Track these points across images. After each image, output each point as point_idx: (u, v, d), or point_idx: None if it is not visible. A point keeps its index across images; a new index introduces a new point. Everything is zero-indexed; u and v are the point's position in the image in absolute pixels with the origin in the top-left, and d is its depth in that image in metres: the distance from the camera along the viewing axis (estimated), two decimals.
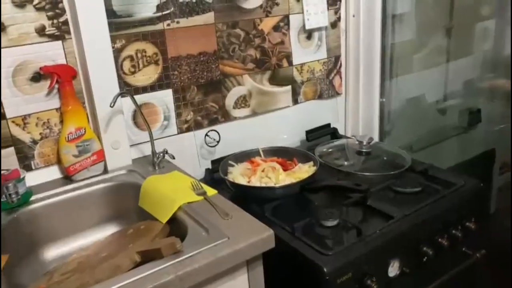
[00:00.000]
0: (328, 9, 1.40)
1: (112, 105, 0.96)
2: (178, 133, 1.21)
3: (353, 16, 1.44)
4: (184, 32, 1.15)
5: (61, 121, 1.02)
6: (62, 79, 0.98)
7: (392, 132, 1.57)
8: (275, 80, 1.36)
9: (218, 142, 1.26)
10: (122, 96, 1.05)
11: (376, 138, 1.50)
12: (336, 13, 1.44)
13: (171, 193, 0.92)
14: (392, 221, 0.97)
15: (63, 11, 0.98)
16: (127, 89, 1.09)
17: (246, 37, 1.26)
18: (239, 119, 1.32)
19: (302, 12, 1.35)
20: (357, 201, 1.05)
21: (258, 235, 0.77)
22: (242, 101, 1.31)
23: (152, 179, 0.99)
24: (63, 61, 1.00)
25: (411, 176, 1.15)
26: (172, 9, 1.12)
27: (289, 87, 1.40)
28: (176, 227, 0.85)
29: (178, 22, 1.13)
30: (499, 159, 2.09)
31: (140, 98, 1.12)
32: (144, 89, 1.13)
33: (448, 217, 1.05)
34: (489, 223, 1.84)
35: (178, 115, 1.20)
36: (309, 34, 1.39)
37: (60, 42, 0.99)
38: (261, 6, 1.27)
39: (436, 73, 1.74)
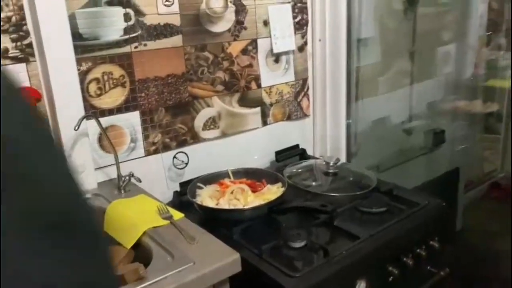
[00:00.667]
0: (295, 33, 1.43)
1: (76, 128, 0.94)
2: (146, 155, 1.20)
3: (319, 40, 1.48)
4: (151, 55, 1.15)
5: None
6: None
7: (359, 153, 1.61)
8: (244, 102, 1.37)
9: (186, 164, 1.26)
10: (87, 119, 1.04)
11: (343, 159, 1.52)
12: (303, 37, 1.47)
13: (136, 217, 0.91)
14: (358, 241, 0.98)
15: (27, 33, 0.97)
16: (93, 112, 1.08)
17: (214, 60, 1.27)
18: (208, 140, 1.32)
19: (270, 36, 1.38)
20: (324, 222, 1.06)
21: (224, 259, 0.76)
22: (212, 123, 1.32)
23: (117, 204, 0.97)
24: (27, 84, 0.99)
25: (377, 196, 1.18)
26: (140, 32, 1.12)
27: (258, 109, 1.41)
28: (141, 252, 0.84)
29: (145, 45, 1.14)
30: (463, 178, 2.16)
31: (106, 120, 1.11)
32: (111, 112, 1.12)
33: (413, 237, 1.07)
34: (455, 241, 1.88)
35: (146, 137, 1.19)
36: (277, 58, 1.42)
37: (24, 64, 0.98)
38: (229, 30, 1.28)
39: (401, 95, 1.80)
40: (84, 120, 0.99)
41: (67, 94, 1.00)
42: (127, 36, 1.10)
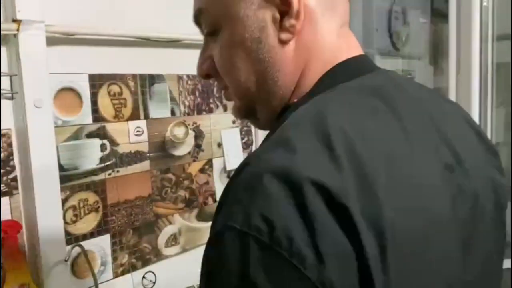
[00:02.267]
0: (243, 152, 1.61)
1: (67, 258, 0.97)
2: (114, 277, 1.22)
3: None
4: (123, 180, 1.23)
5: None
6: (9, 235, 0.98)
7: None
8: (201, 217, 1.47)
9: (154, 283, 1.29)
10: (72, 248, 1.07)
11: None
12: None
13: None
14: None
15: (13, 168, 1.01)
16: (68, 238, 1.11)
17: (177, 180, 1.38)
18: (170, 257, 1.38)
19: (223, 156, 1.53)
20: None
21: None
22: (173, 240, 1.38)
23: None
24: (9, 217, 1.00)
25: None
26: (113, 160, 1.21)
27: None
28: None
29: (118, 171, 1.22)
30: None
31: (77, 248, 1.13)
32: (84, 237, 1.15)
33: None
34: None
35: (114, 259, 1.22)
36: (228, 174, 1.56)
37: (7, 198, 1.00)
38: (189, 153, 1.42)
39: None
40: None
41: (51, 223, 1.04)
42: (102, 165, 1.18)
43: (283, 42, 0.50)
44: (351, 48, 0.53)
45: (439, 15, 2.86)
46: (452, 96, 1.41)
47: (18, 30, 0.97)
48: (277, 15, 0.49)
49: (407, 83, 0.54)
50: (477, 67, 1.31)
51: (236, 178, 0.41)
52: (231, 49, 0.52)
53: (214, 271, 0.39)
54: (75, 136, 1.13)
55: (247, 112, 0.57)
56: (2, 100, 1.00)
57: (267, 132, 0.53)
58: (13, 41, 0.98)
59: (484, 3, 1.29)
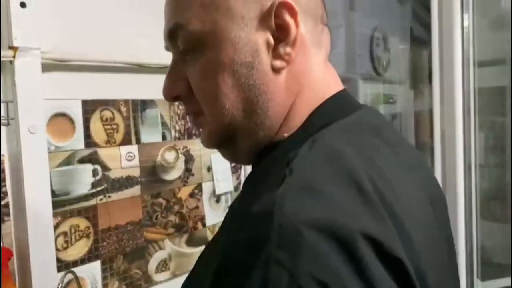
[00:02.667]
0: (232, 175, 1.62)
1: (60, 286, 0.96)
2: None
3: None
4: (114, 205, 1.23)
5: None
6: (1, 263, 0.96)
7: None
8: (191, 242, 1.46)
9: None
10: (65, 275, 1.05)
11: None
12: (237, 178, 1.66)
13: None
14: None
15: (5, 194, 1.00)
16: (58, 265, 1.09)
17: (167, 205, 1.38)
18: (161, 282, 1.36)
19: (212, 180, 1.54)
20: None
21: None
22: (163, 265, 1.37)
23: None
24: None
25: None
26: (105, 185, 1.21)
27: (203, 248, 1.51)
28: None
29: (109, 197, 1.22)
30: None
31: (69, 274, 1.12)
32: (75, 263, 1.14)
33: None
34: None
35: (105, 285, 1.21)
36: (217, 198, 1.57)
37: None
38: (179, 177, 1.42)
39: None
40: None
41: (43, 250, 1.02)
42: (94, 190, 1.18)
43: (276, 70, 0.47)
44: (337, 82, 0.52)
45: (418, 41, 2.96)
46: (436, 120, 1.45)
47: (14, 57, 0.97)
48: (272, 41, 0.46)
49: (386, 120, 0.57)
50: (460, 92, 1.36)
51: (257, 227, 0.35)
52: (216, 72, 0.47)
53: None
54: (67, 161, 1.12)
55: (223, 141, 0.52)
56: None
57: None
58: (9, 68, 0.98)
59: (465, 30, 1.35)
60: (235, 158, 0.57)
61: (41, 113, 1.03)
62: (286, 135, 0.49)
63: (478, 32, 1.37)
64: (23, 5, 1.00)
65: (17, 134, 0.98)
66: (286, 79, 0.47)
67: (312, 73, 0.49)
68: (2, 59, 0.98)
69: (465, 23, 1.38)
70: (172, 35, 0.50)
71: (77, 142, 1.14)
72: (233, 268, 0.35)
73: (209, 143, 0.54)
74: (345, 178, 0.38)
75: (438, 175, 1.46)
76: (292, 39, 0.46)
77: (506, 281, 1.40)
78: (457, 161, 1.42)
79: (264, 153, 0.50)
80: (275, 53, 0.46)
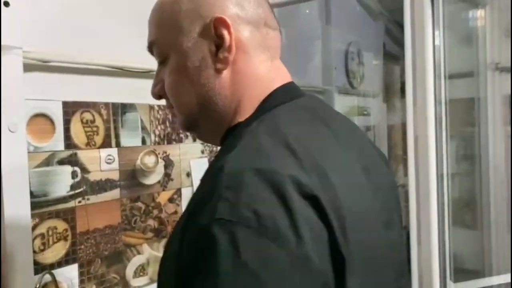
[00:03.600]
0: None
1: (37, 287, 0.94)
2: None
3: None
4: (93, 208, 1.22)
5: None
6: None
7: None
8: None
9: None
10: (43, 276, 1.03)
11: None
12: None
13: None
14: None
15: None
16: (35, 268, 1.07)
17: (146, 209, 1.38)
18: None
19: (192, 185, 1.54)
20: None
21: None
22: (141, 270, 1.36)
23: None
24: None
25: None
26: (84, 187, 1.20)
27: None
28: None
29: (88, 199, 1.21)
30: None
31: (46, 276, 1.10)
32: (52, 266, 1.12)
33: None
34: None
35: None
36: None
37: None
38: (159, 182, 1.42)
39: None
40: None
41: (20, 252, 1.00)
42: (72, 192, 1.17)
43: (218, 71, 0.60)
44: (283, 77, 0.64)
45: (391, 56, 3.06)
46: (410, 131, 1.50)
47: None
48: (213, 48, 0.59)
49: (326, 105, 0.69)
50: (432, 103, 1.42)
51: (214, 178, 0.48)
52: (176, 75, 0.62)
53: (205, 261, 0.44)
54: (47, 162, 1.11)
55: (189, 126, 0.67)
56: None
57: None
58: None
59: (436, 43, 1.42)
60: (202, 138, 0.73)
61: (22, 112, 1.02)
62: (241, 120, 0.61)
63: (448, 47, 1.44)
64: (6, 4, 1.00)
65: None
66: (230, 77, 0.60)
67: (255, 71, 0.61)
68: None
69: (436, 39, 1.45)
70: (150, 50, 0.66)
71: (57, 143, 1.13)
72: (194, 209, 0.49)
73: (181, 128, 0.68)
74: (280, 144, 0.51)
75: (412, 184, 1.51)
76: (227, 46, 0.58)
77: (476, 283, 1.44)
78: (429, 170, 1.47)
79: (227, 135, 0.63)
80: (217, 58, 0.59)
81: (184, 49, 0.60)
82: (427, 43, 1.45)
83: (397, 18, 2.84)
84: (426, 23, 1.46)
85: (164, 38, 0.62)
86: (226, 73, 0.60)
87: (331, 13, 2.48)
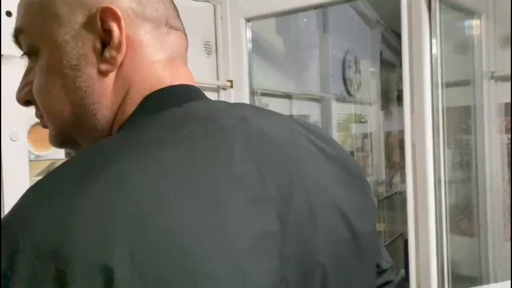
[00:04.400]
0: None
1: None
2: None
3: None
4: None
5: None
6: None
7: None
8: None
9: None
10: None
11: None
12: None
13: None
14: None
15: None
16: None
17: None
18: None
19: None
20: None
21: None
22: None
23: None
24: None
25: None
26: None
27: None
28: None
29: None
30: None
31: None
32: None
33: None
34: None
35: None
36: None
37: None
38: None
39: None
40: None
41: None
42: None
43: (102, 73, 0.47)
44: (176, 78, 0.50)
45: (387, 64, 3.09)
46: (407, 138, 1.52)
47: None
48: (98, 45, 0.46)
49: (231, 110, 0.49)
50: (430, 111, 1.44)
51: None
52: (47, 75, 0.48)
53: None
54: (47, 171, 1.11)
55: (64, 142, 0.52)
56: None
57: None
58: None
59: (434, 52, 1.43)
60: None
61: (23, 121, 1.03)
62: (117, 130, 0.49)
63: (445, 56, 1.46)
64: (8, 14, 1.01)
65: None
66: (114, 82, 0.47)
67: (143, 72, 0.48)
68: None
69: (433, 48, 1.47)
70: (16, 40, 0.51)
71: (57, 151, 1.14)
72: None
73: (53, 144, 0.53)
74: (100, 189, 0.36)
75: (409, 190, 1.52)
76: (116, 43, 0.46)
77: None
78: (427, 177, 1.48)
79: None
80: (102, 57, 0.46)
81: (60, 42, 0.46)
82: (425, 51, 1.47)
83: (393, 27, 2.87)
84: (423, 31, 1.48)
85: (35, 26, 0.48)
86: (110, 77, 0.47)
87: (329, 21, 2.51)
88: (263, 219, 0.39)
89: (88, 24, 0.46)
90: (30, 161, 1.06)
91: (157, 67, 0.49)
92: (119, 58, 0.46)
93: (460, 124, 1.63)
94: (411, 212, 1.44)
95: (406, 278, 1.42)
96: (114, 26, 0.45)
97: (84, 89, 0.47)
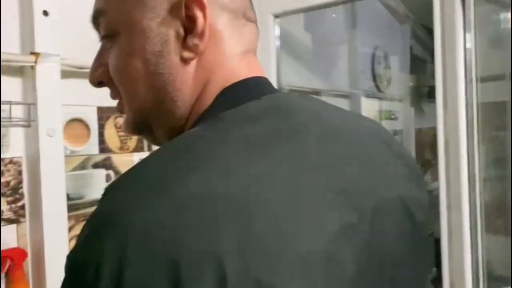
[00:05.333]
0: None
1: None
2: None
3: None
4: None
5: None
6: (15, 263, 0.97)
7: None
8: None
9: None
10: None
11: None
12: None
13: None
14: None
15: (22, 195, 1.02)
16: None
17: None
18: None
19: None
20: None
21: None
22: None
23: None
24: (15, 245, 1.00)
25: None
26: None
27: None
28: None
29: None
30: None
31: None
32: None
33: None
34: None
35: None
36: None
37: (14, 225, 1.01)
38: None
39: None
40: None
41: (58, 252, 1.03)
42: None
43: (185, 61, 0.47)
44: (257, 72, 0.51)
45: (418, 60, 3.03)
46: (440, 135, 1.48)
47: (35, 62, 1.00)
48: (182, 32, 0.46)
49: (309, 106, 0.49)
50: (463, 106, 1.40)
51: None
52: (128, 58, 0.48)
53: None
54: (82, 166, 1.15)
55: (140, 128, 0.52)
56: (14, 129, 1.02)
57: None
58: (30, 73, 1.02)
59: (468, 45, 1.40)
60: (157, 143, 0.55)
61: (59, 117, 1.06)
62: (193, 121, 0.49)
63: (480, 49, 1.42)
64: (45, 13, 1.04)
65: (36, 136, 1.01)
66: (196, 69, 0.48)
67: (223, 63, 0.48)
68: (24, 64, 1.01)
69: (468, 42, 1.43)
70: (95, 21, 0.52)
71: (92, 147, 1.17)
72: None
73: (127, 130, 0.54)
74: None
75: (442, 189, 1.49)
76: (200, 31, 0.46)
77: None
78: (461, 175, 1.44)
79: None
80: (184, 44, 0.47)
81: (144, 27, 0.47)
82: (458, 45, 1.44)
83: (423, 21, 2.81)
84: (456, 25, 1.45)
85: (118, 9, 0.48)
86: (192, 65, 0.47)
87: (357, 17, 2.48)
88: (344, 210, 0.39)
89: (173, 10, 0.46)
90: (66, 156, 1.09)
91: (235, 59, 0.49)
92: (201, 46, 0.46)
93: (495, 120, 1.58)
94: (443, 211, 1.41)
95: (438, 278, 1.39)
96: (199, 14, 0.45)
97: (166, 75, 0.47)
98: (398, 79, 2.89)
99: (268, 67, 1.73)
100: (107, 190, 0.38)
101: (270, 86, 0.51)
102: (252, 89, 0.48)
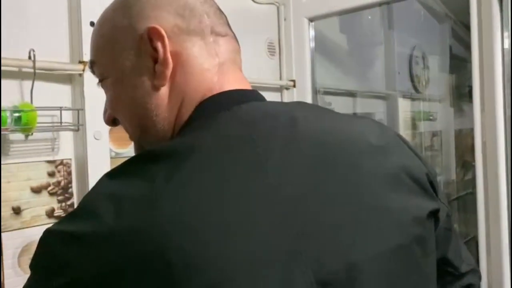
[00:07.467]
0: None
1: None
2: None
3: None
4: None
5: None
6: None
7: None
8: None
9: None
10: None
11: None
12: None
13: None
14: None
15: (71, 195, 1.10)
16: None
17: None
18: None
19: None
20: None
21: None
22: None
23: None
24: None
25: None
26: None
27: None
28: None
29: None
30: None
31: None
32: None
33: None
34: None
35: None
36: None
37: None
38: None
39: None
40: None
41: None
42: None
43: (156, 88, 0.52)
44: (226, 84, 0.53)
45: (457, 59, 2.96)
46: (477, 136, 1.47)
47: (83, 70, 1.08)
48: (151, 63, 0.52)
49: (281, 113, 0.51)
50: (501, 107, 1.38)
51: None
52: (116, 97, 0.55)
53: None
54: None
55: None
56: (64, 133, 1.10)
57: None
58: (79, 80, 1.09)
59: (506, 46, 1.38)
60: None
61: None
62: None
63: None
64: (92, 24, 1.11)
65: (84, 140, 1.08)
66: (168, 94, 0.52)
67: (193, 84, 0.52)
68: (72, 72, 1.09)
69: (505, 42, 1.41)
70: (92, 70, 0.59)
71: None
72: None
73: None
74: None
75: (480, 191, 1.47)
76: (162, 59, 0.51)
77: None
78: (499, 177, 1.42)
79: None
80: (154, 74, 0.52)
81: (121, 67, 0.53)
82: (496, 45, 1.42)
83: (464, 20, 2.75)
84: (494, 24, 1.43)
85: (103, 57, 0.56)
86: (164, 90, 0.52)
87: (394, 18, 2.46)
88: (289, 234, 0.42)
89: (141, 46, 0.52)
90: (111, 158, 1.16)
91: (207, 76, 0.53)
92: (167, 72, 0.51)
93: None
94: (481, 213, 1.40)
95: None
96: (159, 44, 0.51)
97: (143, 104, 0.53)
98: (437, 79, 2.84)
99: (303, 69, 1.75)
100: None
101: (245, 96, 0.54)
102: (222, 102, 0.52)
